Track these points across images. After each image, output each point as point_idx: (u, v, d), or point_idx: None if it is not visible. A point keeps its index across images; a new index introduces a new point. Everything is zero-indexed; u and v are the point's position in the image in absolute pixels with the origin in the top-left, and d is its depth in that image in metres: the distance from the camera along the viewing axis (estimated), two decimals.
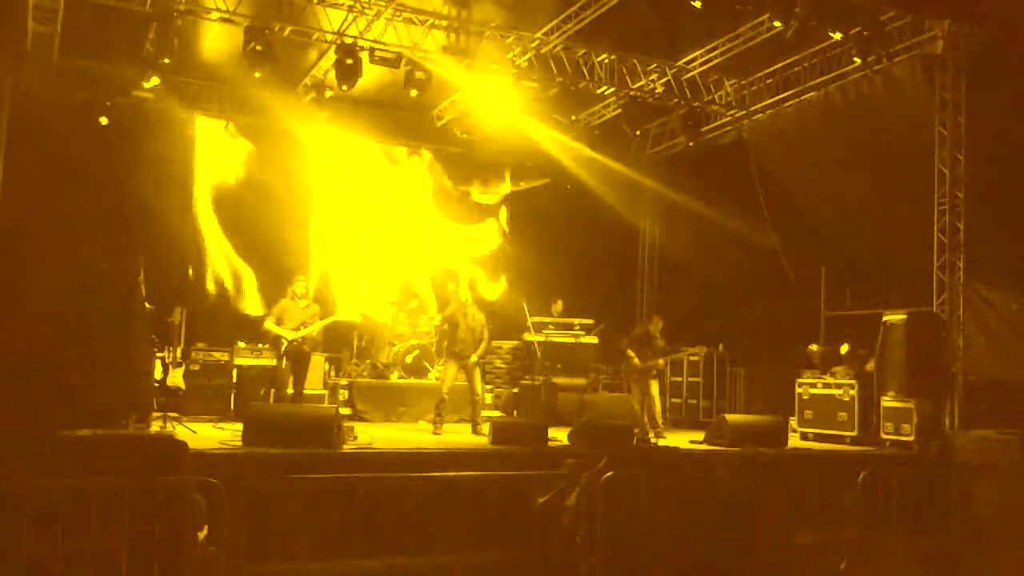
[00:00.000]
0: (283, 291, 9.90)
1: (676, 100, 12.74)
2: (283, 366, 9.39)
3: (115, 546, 4.59)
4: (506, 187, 15.46)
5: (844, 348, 11.01)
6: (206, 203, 13.57)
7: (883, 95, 11.04)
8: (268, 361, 10.85)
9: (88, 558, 4.53)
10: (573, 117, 12.60)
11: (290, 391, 9.50)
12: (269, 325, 9.42)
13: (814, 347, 11.46)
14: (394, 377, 12.11)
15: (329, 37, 10.98)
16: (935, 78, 10.56)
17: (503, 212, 15.43)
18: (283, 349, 9.31)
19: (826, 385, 10.60)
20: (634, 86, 12.50)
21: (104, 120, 11.95)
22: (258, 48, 10.14)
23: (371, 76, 11.34)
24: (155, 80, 11.06)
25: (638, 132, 13.24)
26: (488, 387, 12.11)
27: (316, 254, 14.05)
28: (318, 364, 11.27)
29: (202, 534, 4.98)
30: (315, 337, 9.70)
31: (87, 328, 7.89)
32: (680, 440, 9.88)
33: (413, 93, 11.43)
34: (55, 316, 7.77)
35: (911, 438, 9.47)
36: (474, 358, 9.84)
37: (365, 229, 14.58)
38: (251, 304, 13.45)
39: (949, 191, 10.45)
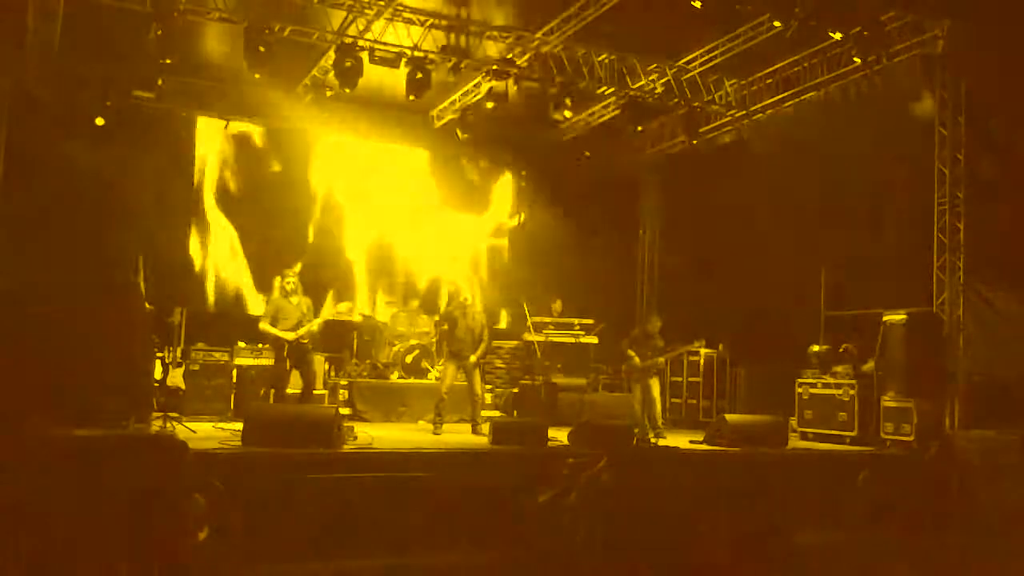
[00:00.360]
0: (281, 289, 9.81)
1: (676, 100, 12.75)
2: (287, 367, 9.28)
3: (115, 546, 4.59)
4: (507, 175, 15.57)
5: (843, 348, 11.00)
6: (207, 203, 13.59)
7: (883, 95, 11.04)
8: (268, 361, 10.83)
9: (89, 558, 4.53)
10: (568, 114, 12.58)
11: (290, 391, 9.45)
12: (265, 326, 9.20)
13: (815, 347, 11.44)
14: (394, 377, 12.10)
15: (329, 37, 10.98)
16: (935, 78, 10.57)
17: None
18: (285, 351, 9.20)
19: (826, 385, 10.60)
20: (634, 86, 12.50)
21: (100, 121, 11.94)
22: (260, 49, 10.15)
23: (372, 75, 11.34)
24: (159, 81, 11.06)
25: (640, 128, 13.27)
26: (488, 387, 12.10)
27: (317, 252, 14.09)
28: (318, 364, 11.25)
29: (202, 534, 4.98)
30: (314, 332, 9.58)
31: (87, 328, 7.89)
32: (680, 440, 9.87)
33: (412, 97, 11.44)
34: (55, 316, 7.77)
35: (911, 438, 9.46)
36: (473, 359, 9.82)
37: (367, 227, 14.61)
38: (252, 303, 13.47)
39: (949, 191, 10.45)
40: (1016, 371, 9.85)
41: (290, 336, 9.10)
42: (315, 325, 9.42)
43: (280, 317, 9.21)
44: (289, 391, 9.46)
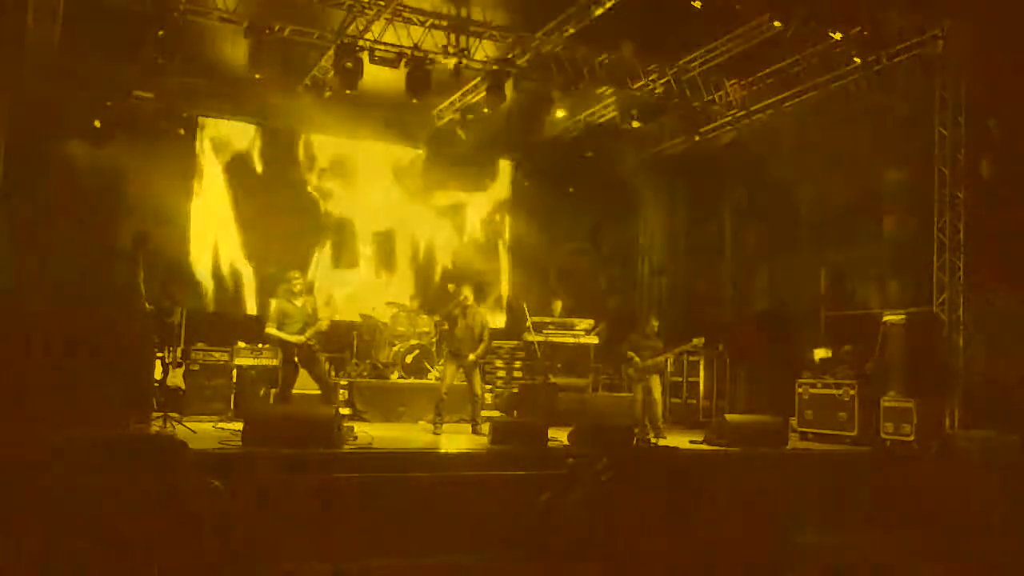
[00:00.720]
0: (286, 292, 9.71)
1: (676, 100, 12.75)
2: (295, 370, 9.20)
3: (115, 546, 4.59)
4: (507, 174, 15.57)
5: (844, 349, 11.00)
6: (207, 203, 13.60)
7: (883, 95, 11.05)
8: (268, 361, 10.84)
9: (88, 558, 4.53)
10: (564, 113, 12.49)
11: (296, 391, 9.38)
12: (272, 331, 9.07)
13: (818, 355, 11.40)
14: (394, 377, 12.10)
15: (329, 37, 10.98)
16: (935, 78, 10.57)
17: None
18: (294, 355, 9.14)
19: (826, 385, 10.59)
20: (634, 86, 12.50)
21: (98, 123, 11.93)
22: (261, 49, 10.18)
23: (372, 75, 11.35)
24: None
25: (635, 123, 13.29)
26: (488, 387, 12.09)
27: (317, 252, 14.10)
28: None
29: (203, 534, 4.98)
30: (323, 333, 9.48)
31: (88, 329, 7.89)
32: (680, 440, 9.88)
33: (414, 101, 11.46)
34: (56, 317, 7.77)
35: (911, 438, 9.46)
36: (472, 357, 9.80)
37: (368, 225, 14.62)
38: (252, 303, 13.49)
39: (949, 191, 10.45)
40: (1016, 371, 9.86)
41: (299, 340, 9.05)
42: (323, 325, 9.34)
43: (286, 321, 9.08)
44: (294, 391, 9.39)
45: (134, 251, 9.33)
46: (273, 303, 9.33)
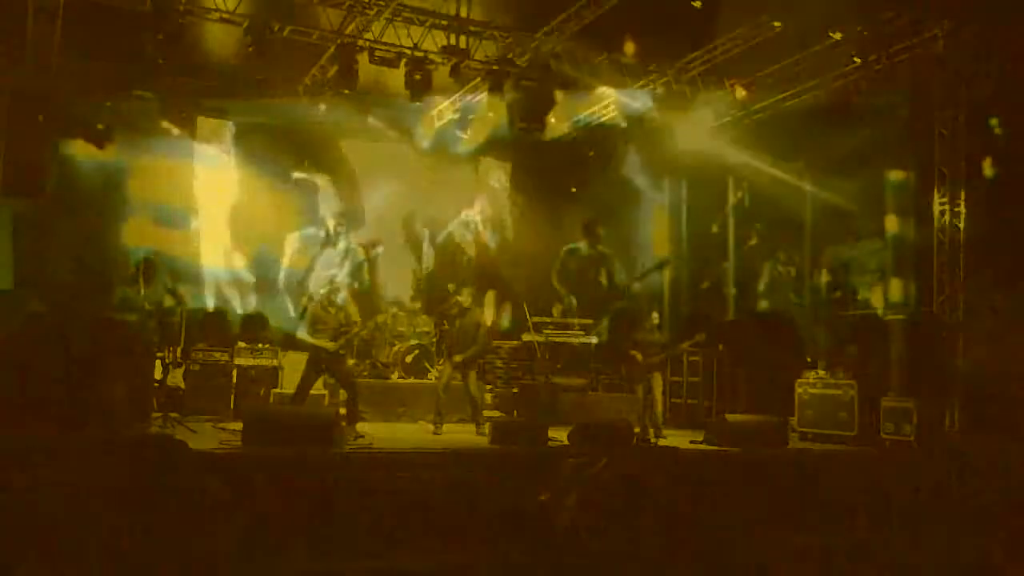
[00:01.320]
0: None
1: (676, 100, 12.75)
2: (315, 375, 9.16)
3: (115, 545, 4.60)
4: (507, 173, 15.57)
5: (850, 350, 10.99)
6: (207, 203, 13.61)
7: (883, 95, 11.05)
8: (268, 361, 10.82)
9: (89, 558, 4.54)
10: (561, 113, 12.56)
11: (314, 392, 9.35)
12: (304, 336, 9.06)
13: (821, 369, 11.36)
14: (394, 377, 12.10)
15: (329, 37, 10.99)
16: (935, 78, 10.57)
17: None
18: (322, 365, 9.14)
19: (826, 385, 10.58)
20: (635, 86, 12.50)
21: (100, 126, 11.93)
22: (261, 49, 10.19)
23: (372, 75, 11.37)
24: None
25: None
26: (488, 387, 12.09)
27: (317, 252, 14.12)
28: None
29: (203, 534, 4.99)
30: (353, 344, 9.41)
31: (88, 329, 7.90)
32: (680, 440, 9.88)
33: (417, 103, 11.49)
34: (56, 318, 7.78)
35: (911, 438, 9.46)
36: (458, 358, 9.77)
37: (368, 224, 14.64)
38: (252, 303, 13.49)
39: (949, 191, 10.45)
40: (1016, 371, 9.86)
41: (331, 347, 8.98)
42: (354, 336, 9.33)
43: (319, 327, 9.06)
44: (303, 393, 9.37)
45: (136, 275, 9.33)
46: (309, 308, 9.34)
